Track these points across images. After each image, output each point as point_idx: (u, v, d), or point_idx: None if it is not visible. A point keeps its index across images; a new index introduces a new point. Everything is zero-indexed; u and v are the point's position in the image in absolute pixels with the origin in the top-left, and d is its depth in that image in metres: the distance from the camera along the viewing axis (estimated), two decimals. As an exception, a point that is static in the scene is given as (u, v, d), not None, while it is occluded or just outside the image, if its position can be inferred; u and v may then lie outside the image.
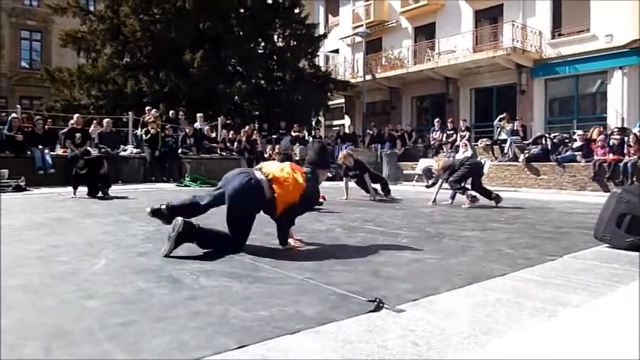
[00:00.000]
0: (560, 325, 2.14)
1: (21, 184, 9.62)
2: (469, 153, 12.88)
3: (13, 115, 12.29)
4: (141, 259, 3.42)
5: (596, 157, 12.36)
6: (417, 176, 14.05)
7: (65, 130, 12.19)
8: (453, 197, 8.24)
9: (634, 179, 11.24)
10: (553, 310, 2.33)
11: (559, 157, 13.21)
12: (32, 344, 1.85)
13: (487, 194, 7.93)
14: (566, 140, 14.09)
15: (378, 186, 9.00)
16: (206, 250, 3.61)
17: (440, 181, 8.46)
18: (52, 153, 11.90)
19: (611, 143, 12.41)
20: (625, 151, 12.00)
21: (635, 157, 11.52)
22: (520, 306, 2.39)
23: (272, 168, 3.83)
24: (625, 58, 16.16)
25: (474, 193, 7.92)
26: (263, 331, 1.99)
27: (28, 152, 11.55)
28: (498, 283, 2.84)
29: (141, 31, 18.22)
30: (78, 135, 11.77)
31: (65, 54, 24.11)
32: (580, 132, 13.90)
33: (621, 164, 11.60)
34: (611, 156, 12.03)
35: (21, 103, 21.98)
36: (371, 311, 2.26)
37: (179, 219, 3.51)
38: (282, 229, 3.86)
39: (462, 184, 8.02)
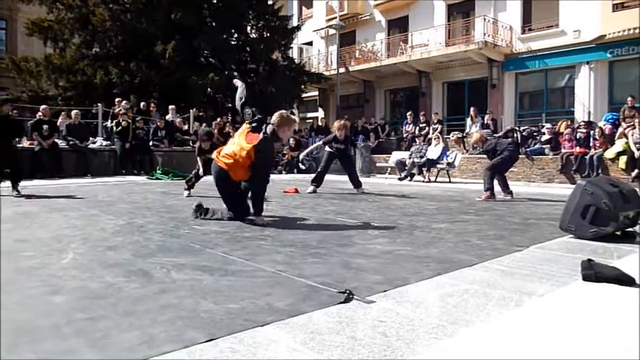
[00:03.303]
0: (525, 314, 2.20)
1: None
2: (441, 146, 13.08)
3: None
4: (110, 253, 3.37)
5: (563, 150, 12.66)
6: (390, 169, 14.17)
7: (32, 121, 11.89)
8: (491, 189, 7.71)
9: (599, 171, 11.56)
10: (519, 299, 2.39)
11: (528, 150, 13.48)
12: (-4, 341, 1.80)
13: (505, 185, 7.80)
14: (535, 133, 14.39)
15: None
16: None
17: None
18: (18, 145, 11.56)
19: (577, 137, 12.73)
20: (591, 144, 12.33)
21: (601, 150, 11.84)
22: (487, 296, 2.44)
23: (225, 148, 4.95)
24: (592, 54, 16.57)
25: (498, 189, 7.70)
26: (233, 323, 1.99)
27: (-7, 144, 11.19)
28: (467, 274, 2.89)
29: (110, 20, 17.82)
30: (45, 127, 11.54)
31: (32, 43, 23.32)
32: (548, 125, 14.21)
33: (587, 157, 11.92)
34: (577, 149, 12.34)
35: (-15, 94, 21.28)
36: (341, 303, 2.28)
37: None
38: (254, 196, 4.79)
39: (497, 173, 7.71)
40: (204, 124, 15.59)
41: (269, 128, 4.80)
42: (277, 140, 4.96)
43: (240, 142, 4.72)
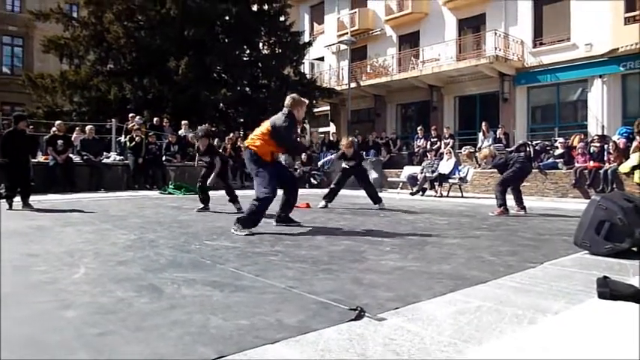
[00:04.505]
0: (539, 332, 2.16)
1: (1, 191, 9.44)
2: (453, 160, 13.02)
3: (-6, 121, 12.14)
4: (121, 268, 3.38)
5: (577, 165, 12.54)
6: (401, 184, 14.11)
7: (47, 136, 12.07)
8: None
9: (614, 186, 11.42)
10: (533, 317, 2.35)
11: (541, 164, 13.37)
12: (5, 355, 1.81)
13: (520, 200, 7.75)
14: (548, 148, 14.28)
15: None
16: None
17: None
18: (33, 160, 11.73)
19: (591, 151, 12.60)
20: (605, 158, 12.20)
21: (615, 164, 11.71)
22: (500, 313, 2.40)
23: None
24: (604, 67, 16.47)
25: (511, 204, 7.66)
26: (243, 340, 1.97)
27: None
28: (479, 291, 2.85)
29: (125, 37, 18.10)
30: (60, 142, 11.70)
31: (47, 60, 23.84)
32: (561, 139, 14.09)
33: (601, 171, 11.79)
34: (591, 163, 12.22)
35: (2, 110, 21.68)
36: (352, 320, 2.25)
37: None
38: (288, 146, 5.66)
39: (509, 187, 7.66)
40: (216, 139, 15.69)
41: (285, 111, 5.45)
42: (294, 119, 5.49)
43: (263, 125, 5.53)
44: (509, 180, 7.64)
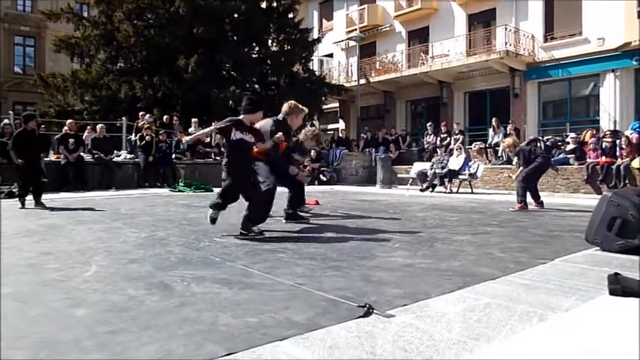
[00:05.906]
0: (550, 329, 2.15)
1: (13, 190, 9.56)
2: (463, 156, 12.94)
3: (5, 121, 12.24)
4: (132, 266, 3.41)
5: (588, 160, 12.40)
6: (411, 180, 14.07)
7: (59, 135, 12.18)
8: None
9: (626, 182, 11.29)
10: (543, 314, 2.34)
11: (552, 159, 13.24)
12: (20, 354, 1.83)
13: (537, 195, 7.93)
14: (560, 143, 14.15)
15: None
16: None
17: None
18: (45, 159, 11.83)
19: (603, 146, 12.46)
20: (617, 153, 12.05)
21: (628, 159, 11.57)
22: (510, 310, 2.39)
23: None
24: (617, 61, 16.27)
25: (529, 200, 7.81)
26: (251, 337, 1.98)
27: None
28: (489, 288, 2.84)
29: (134, 36, 18.19)
30: (71, 141, 11.80)
31: (59, 59, 24.09)
32: (573, 135, 13.96)
33: (614, 167, 11.65)
34: (603, 159, 12.08)
35: (14, 109, 21.88)
36: (361, 317, 2.26)
37: None
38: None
39: (531, 184, 7.83)
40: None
41: (279, 117, 5.49)
42: (288, 128, 5.47)
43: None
44: (531, 177, 7.83)
